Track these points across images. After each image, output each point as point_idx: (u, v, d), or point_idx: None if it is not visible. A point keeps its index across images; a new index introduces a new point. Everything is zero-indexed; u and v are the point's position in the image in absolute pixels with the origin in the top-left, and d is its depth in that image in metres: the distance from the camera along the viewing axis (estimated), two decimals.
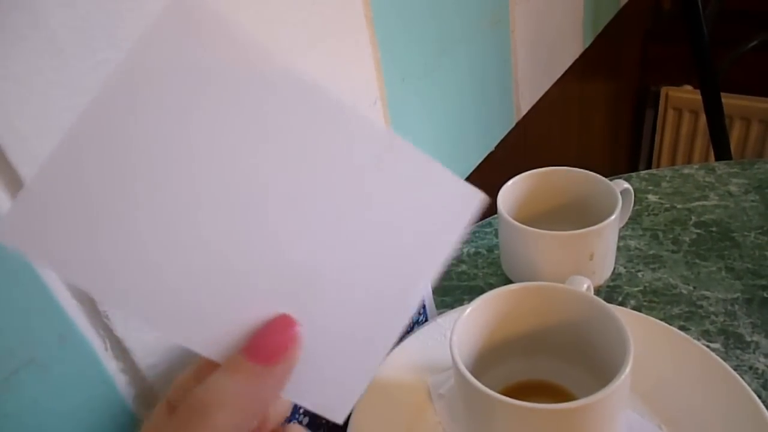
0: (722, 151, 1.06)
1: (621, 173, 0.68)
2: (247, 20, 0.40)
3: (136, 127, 0.21)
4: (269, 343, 0.23)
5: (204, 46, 0.21)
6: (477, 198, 0.24)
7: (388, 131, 0.23)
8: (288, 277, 0.23)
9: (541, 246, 0.48)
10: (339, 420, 0.24)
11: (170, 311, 0.22)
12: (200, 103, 0.21)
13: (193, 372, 0.25)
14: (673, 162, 1.50)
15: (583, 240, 0.47)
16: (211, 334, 0.23)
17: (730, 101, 1.28)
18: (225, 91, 0.21)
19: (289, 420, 0.38)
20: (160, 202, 0.21)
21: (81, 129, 0.21)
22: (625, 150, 1.50)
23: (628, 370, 0.33)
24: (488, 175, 0.76)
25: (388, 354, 0.25)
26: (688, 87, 1.40)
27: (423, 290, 0.23)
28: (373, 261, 0.24)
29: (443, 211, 0.24)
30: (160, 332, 0.22)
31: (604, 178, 0.52)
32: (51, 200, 0.20)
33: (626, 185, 0.53)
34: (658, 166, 1.53)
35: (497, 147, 0.78)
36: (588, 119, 1.17)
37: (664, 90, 1.42)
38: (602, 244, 0.49)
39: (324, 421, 0.42)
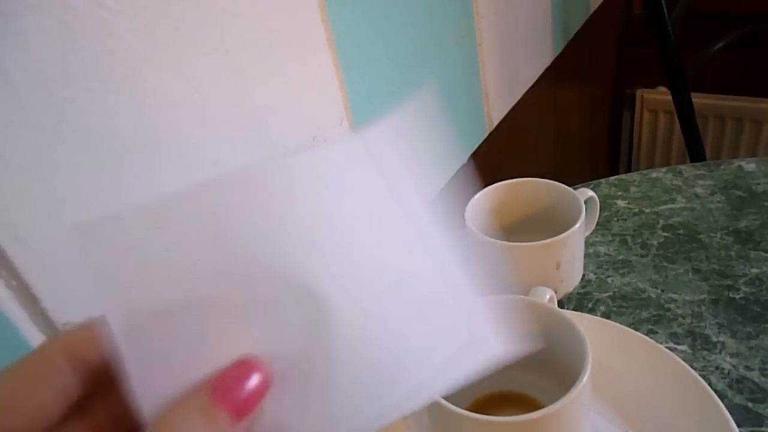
0: (695, 151, 1.08)
1: (601, 177, 0.69)
2: (206, 50, 0.41)
3: None
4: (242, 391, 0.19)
5: None
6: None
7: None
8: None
9: (508, 257, 0.49)
10: None
11: None
12: None
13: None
14: (652, 162, 1.52)
15: (548, 250, 0.48)
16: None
17: (703, 101, 1.30)
18: None
19: None
20: None
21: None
22: (604, 153, 1.52)
23: (586, 378, 0.33)
24: (464, 187, 0.77)
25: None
26: (663, 88, 1.42)
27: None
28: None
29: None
30: None
31: (568, 188, 0.53)
32: None
33: (591, 193, 0.54)
34: (637, 168, 1.55)
35: (471, 158, 0.79)
36: (564, 125, 1.18)
37: (639, 92, 1.44)
38: (568, 253, 0.49)
39: None
